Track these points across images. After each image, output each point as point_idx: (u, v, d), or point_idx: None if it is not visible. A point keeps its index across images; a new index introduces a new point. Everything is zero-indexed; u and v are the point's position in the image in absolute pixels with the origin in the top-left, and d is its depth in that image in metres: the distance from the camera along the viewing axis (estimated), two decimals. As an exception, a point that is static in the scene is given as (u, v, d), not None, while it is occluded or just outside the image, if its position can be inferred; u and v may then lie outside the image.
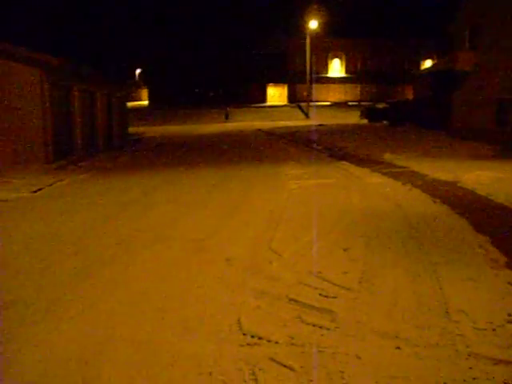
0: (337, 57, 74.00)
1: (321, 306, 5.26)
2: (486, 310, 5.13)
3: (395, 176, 13.78)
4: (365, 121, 44.40)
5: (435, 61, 67.38)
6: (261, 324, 4.87)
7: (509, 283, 5.82)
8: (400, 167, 15.50)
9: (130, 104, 45.68)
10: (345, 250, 7.18)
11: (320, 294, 5.59)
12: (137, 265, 6.91)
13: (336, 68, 74.29)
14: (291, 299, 5.46)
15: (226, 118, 55.32)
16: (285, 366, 4.07)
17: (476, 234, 7.86)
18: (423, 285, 5.82)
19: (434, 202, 10.40)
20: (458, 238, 7.69)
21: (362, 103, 62.73)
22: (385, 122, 40.18)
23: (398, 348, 4.36)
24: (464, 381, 3.85)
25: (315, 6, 55.98)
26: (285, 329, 4.75)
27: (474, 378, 3.86)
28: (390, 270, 6.35)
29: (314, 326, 4.81)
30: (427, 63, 71.74)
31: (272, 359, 4.18)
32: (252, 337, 4.60)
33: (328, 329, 4.74)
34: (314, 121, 49.78)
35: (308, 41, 54.85)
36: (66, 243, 8.14)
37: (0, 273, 6.80)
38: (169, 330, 4.84)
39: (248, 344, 4.47)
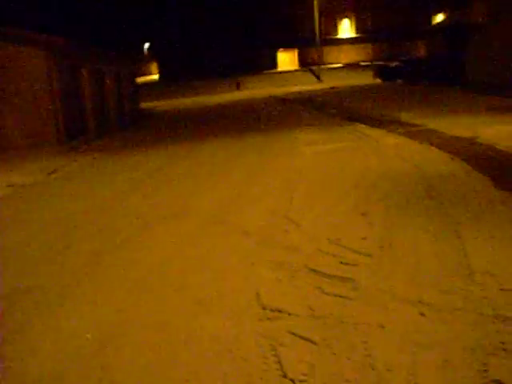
0: (346, 17, 72.62)
1: (341, 275, 5.13)
2: (511, 270, 4.97)
3: (412, 135, 13.51)
4: (378, 80, 43.73)
5: (447, 14, 65.95)
6: (280, 297, 4.77)
7: (535, 241, 5.64)
8: (417, 126, 15.20)
9: (140, 79, 45.44)
10: (363, 214, 7.03)
11: (340, 262, 5.47)
12: (153, 241, 6.86)
13: (346, 28, 72.98)
14: (311, 269, 5.35)
15: (238, 87, 54.44)
16: (306, 339, 3.96)
17: (496, 191, 7.65)
18: (445, 246, 5.66)
19: (453, 159, 10.17)
20: (479, 196, 7.49)
21: (375, 63, 61.72)
22: (399, 80, 39.53)
23: (422, 314, 4.24)
24: (491, 345, 3.71)
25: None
26: (305, 301, 4.64)
27: (502, 342, 3.73)
28: (411, 232, 6.20)
29: (334, 296, 4.70)
30: (439, 17, 70.21)
31: (293, 333, 4.08)
32: (271, 311, 4.50)
33: (350, 298, 4.62)
34: (326, 84, 49.19)
35: (315, 3, 53.87)
36: (83, 224, 8.11)
37: (16, 258, 6.77)
38: (186, 307, 4.76)
39: (268, 318, 4.37)
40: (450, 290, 4.64)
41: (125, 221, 8.07)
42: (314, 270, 5.32)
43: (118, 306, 4.95)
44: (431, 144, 12.00)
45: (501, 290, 4.56)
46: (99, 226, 7.89)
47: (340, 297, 4.67)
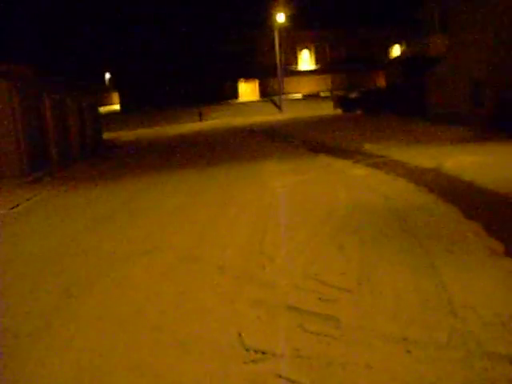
0: (306, 48, 73.85)
1: (322, 312, 5.06)
2: (491, 302, 4.99)
3: (378, 166, 13.67)
4: (339, 111, 44.40)
5: (403, 47, 67.68)
6: (263, 337, 4.66)
7: (510, 272, 5.69)
8: (381, 156, 15.39)
9: (102, 109, 45.09)
10: (339, 248, 7.00)
11: (319, 299, 5.40)
12: (125, 280, 6.64)
13: (306, 59, 74.12)
14: (291, 306, 5.26)
15: (200, 117, 54.42)
16: (295, 382, 3.87)
17: (468, 222, 7.75)
18: (423, 280, 5.66)
19: (420, 190, 10.29)
20: (451, 227, 7.57)
21: (335, 93, 62.73)
22: (359, 111, 40.22)
23: (409, 352, 4.19)
24: (481, 384, 3.69)
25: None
26: (288, 340, 4.54)
27: (492, 382, 3.70)
28: (388, 266, 6.19)
29: (318, 334, 4.62)
30: (395, 49, 72.06)
31: (280, 376, 3.98)
32: (255, 352, 4.39)
33: (333, 337, 4.55)
34: (287, 114, 49.76)
35: (276, 34, 54.73)
36: (48, 262, 7.84)
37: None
38: (167, 350, 4.60)
39: (252, 361, 4.25)
40: (434, 325, 4.61)
41: (93, 258, 7.85)
42: (294, 308, 5.23)
43: (93, 349, 4.75)
44: (397, 175, 12.15)
45: (483, 324, 4.56)
46: (66, 264, 7.65)
47: (324, 335, 4.59)
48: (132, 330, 5.10)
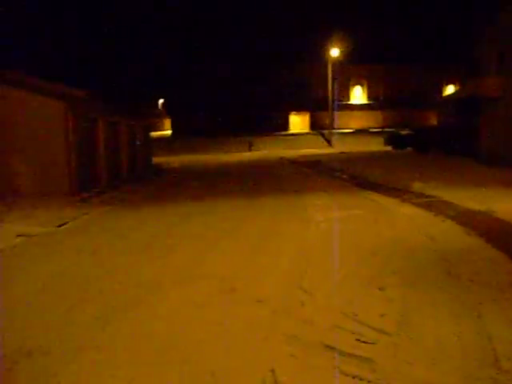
0: (359, 83, 73.90)
1: (359, 354, 4.93)
2: (538, 357, 4.76)
3: (426, 206, 13.41)
4: (389, 148, 43.97)
5: (458, 87, 66.95)
6: (296, 376, 4.56)
7: (560, 327, 5.43)
8: (430, 196, 15.11)
9: (153, 134, 45.91)
10: (380, 289, 6.84)
11: (357, 340, 5.27)
12: (162, 308, 6.62)
13: (358, 95, 74.15)
14: (327, 346, 5.14)
15: (250, 147, 54.44)
16: (326, 426, 3.75)
17: (517, 270, 7.47)
18: (467, 328, 5.46)
19: (469, 234, 10.02)
20: (499, 275, 7.31)
21: (385, 130, 62.33)
22: (409, 148, 39.75)
23: (447, 404, 4.02)
24: None
25: (337, 34, 56.04)
26: (323, 381, 4.43)
27: None
28: (430, 310, 6.00)
29: (353, 377, 4.49)
30: (449, 89, 71.33)
31: (311, 418, 3.86)
32: (288, 391, 4.29)
33: (369, 381, 4.41)
34: (336, 148, 49.59)
35: (329, 68, 54.97)
36: (89, 283, 7.91)
37: (19, 315, 6.57)
38: (199, 382, 4.54)
39: (284, 400, 4.16)
40: (475, 377, 4.42)
41: (135, 282, 7.88)
42: (330, 347, 5.11)
43: (127, 377, 4.73)
44: (446, 216, 11.88)
45: (528, 380, 4.34)
46: (106, 286, 7.70)
47: (359, 379, 4.45)
48: (164, 360, 5.05)
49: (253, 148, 53.40)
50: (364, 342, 5.22)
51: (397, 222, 11.72)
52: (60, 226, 12.97)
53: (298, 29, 67.35)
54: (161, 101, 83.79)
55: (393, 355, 4.89)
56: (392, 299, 6.42)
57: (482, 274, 7.36)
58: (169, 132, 74.41)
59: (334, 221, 12.20)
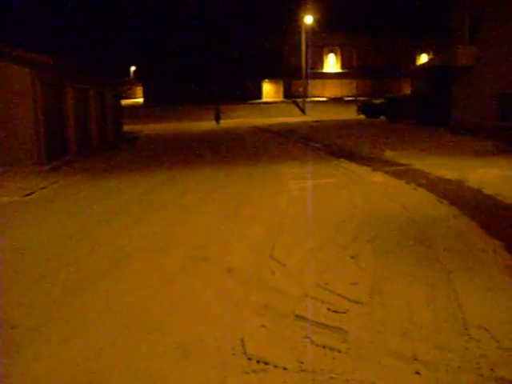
0: (332, 52, 73.57)
1: (330, 324, 4.86)
2: (508, 325, 4.75)
3: (398, 174, 13.40)
4: (362, 116, 44.02)
5: (431, 56, 67.04)
6: (266, 346, 4.47)
7: (530, 294, 5.44)
8: (402, 165, 15.11)
9: (124, 102, 45.20)
10: (352, 257, 6.79)
11: (328, 309, 5.20)
12: (132, 278, 6.48)
13: (331, 63, 73.86)
14: (298, 316, 5.07)
15: (217, 119, 46.99)
16: (295, 398, 3.68)
17: (488, 239, 7.48)
18: (438, 296, 5.43)
19: (441, 202, 10.02)
20: (470, 243, 7.30)
21: (359, 98, 62.32)
22: (382, 117, 39.83)
23: (418, 373, 3.98)
24: (494, 413, 3.47)
25: (311, 1, 55.44)
26: (293, 352, 4.35)
27: (506, 411, 3.48)
28: (402, 279, 5.96)
29: (323, 347, 4.42)
30: (423, 58, 71.44)
31: (280, 390, 3.79)
32: (258, 362, 4.20)
33: (339, 351, 4.35)
34: (310, 117, 49.47)
35: (303, 36, 54.52)
36: (54, 253, 7.71)
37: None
38: (167, 354, 4.43)
39: (254, 371, 4.07)
40: (446, 345, 4.39)
41: (102, 252, 7.72)
42: (301, 317, 5.04)
43: (96, 347, 4.60)
44: (418, 185, 11.87)
45: (498, 348, 4.34)
46: (73, 257, 7.52)
47: (329, 349, 4.39)
48: (132, 331, 4.94)
49: (225, 116, 52.45)
50: (335, 311, 5.16)
51: (369, 190, 11.68)
52: (27, 195, 12.66)
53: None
54: (133, 68, 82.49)
55: (364, 325, 4.84)
56: (364, 268, 6.37)
57: (454, 243, 7.34)
58: (141, 100, 73.45)
59: (306, 189, 12.13)
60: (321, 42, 70.15)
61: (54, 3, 64.94)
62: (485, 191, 10.75)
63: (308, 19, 54.63)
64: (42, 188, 13.62)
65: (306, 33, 54.95)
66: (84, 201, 12.08)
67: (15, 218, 10.42)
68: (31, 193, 12.90)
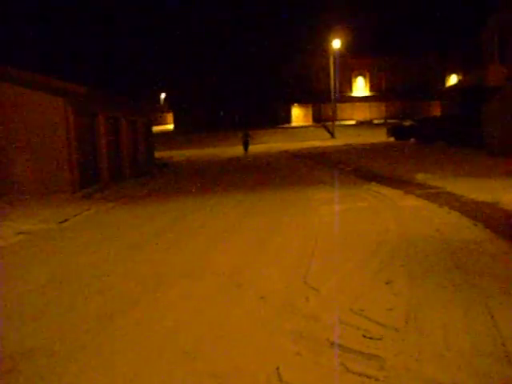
0: (361, 75, 73.71)
1: (366, 351, 4.79)
2: (549, 352, 4.63)
3: (430, 198, 13.25)
4: (391, 139, 43.79)
5: (460, 76, 66.63)
6: (302, 374, 4.43)
7: None
8: (434, 188, 14.95)
9: (155, 128, 45.82)
10: (387, 283, 6.71)
11: (364, 336, 5.14)
12: (164, 304, 6.51)
13: (360, 86, 73.95)
14: (333, 343, 5.01)
15: (245, 146, 42.30)
16: (333, 427, 3.63)
17: (526, 262, 7.33)
18: (476, 322, 5.32)
19: (475, 225, 9.86)
20: (508, 267, 7.16)
21: (388, 121, 62.12)
22: (412, 139, 39.55)
23: (457, 402, 3.89)
24: None
25: (339, 26, 55.77)
26: (329, 379, 4.30)
27: None
28: (437, 304, 5.86)
29: (360, 375, 4.36)
30: (452, 78, 71.03)
31: (317, 419, 3.74)
32: (293, 390, 4.17)
33: (376, 379, 4.28)
34: (339, 140, 49.42)
35: (331, 60, 54.75)
36: (87, 281, 7.79)
37: (18, 313, 6.46)
38: (200, 381, 4.42)
39: (290, 399, 4.03)
40: (486, 373, 4.28)
41: (137, 278, 7.77)
42: (336, 344, 4.98)
43: (128, 373, 4.62)
44: (451, 208, 11.72)
45: (540, 375, 4.21)
46: (108, 283, 7.59)
47: (366, 376, 4.33)
48: (165, 357, 4.94)
49: (254, 141, 52.39)
50: (370, 337, 5.09)
51: (401, 213, 11.57)
52: (61, 222, 12.86)
53: (300, 20, 67.12)
54: (163, 95, 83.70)
55: (400, 352, 4.76)
56: (399, 293, 6.29)
57: (490, 267, 7.21)
58: (171, 126, 74.35)
59: (337, 213, 12.08)
60: (349, 66, 70.38)
61: (86, 33, 66.49)
62: (521, 214, 10.55)
63: (336, 43, 54.90)
64: (76, 215, 13.83)
65: (334, 57, 55.22)
66: (117, 227, 12.22)
67: (50, 245, 10.58)
68: (65, 220, 13.10)
